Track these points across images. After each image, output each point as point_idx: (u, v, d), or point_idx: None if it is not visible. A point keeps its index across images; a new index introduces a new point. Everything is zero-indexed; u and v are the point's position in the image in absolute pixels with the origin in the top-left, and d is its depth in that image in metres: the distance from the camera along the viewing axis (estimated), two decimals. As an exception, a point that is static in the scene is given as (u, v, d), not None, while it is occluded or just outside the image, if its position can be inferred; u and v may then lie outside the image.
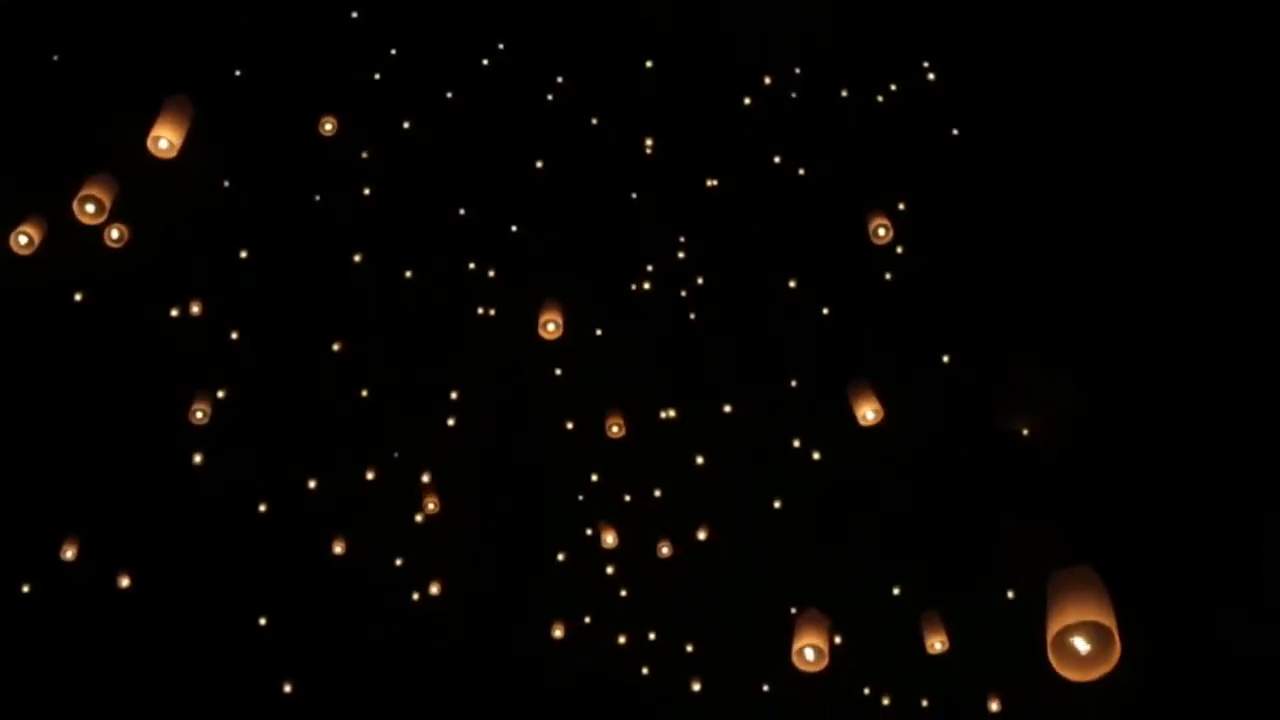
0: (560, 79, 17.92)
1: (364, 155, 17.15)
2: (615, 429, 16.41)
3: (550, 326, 14.75)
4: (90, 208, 11.43)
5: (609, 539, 16.78)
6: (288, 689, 18.29)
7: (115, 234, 12.86)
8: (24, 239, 11.61)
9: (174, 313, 16.12)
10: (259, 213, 16.84)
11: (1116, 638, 7.09)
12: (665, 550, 17.27)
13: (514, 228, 17.93)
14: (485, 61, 17.73)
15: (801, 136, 17.96)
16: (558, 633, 17.48)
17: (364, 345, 17.53)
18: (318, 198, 16.86)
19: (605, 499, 17.73)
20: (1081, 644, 7.15)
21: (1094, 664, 7.17)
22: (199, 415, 15.02)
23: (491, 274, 17.92)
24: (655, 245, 17.96)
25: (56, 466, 16.54)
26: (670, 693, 17.93)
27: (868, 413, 14.32)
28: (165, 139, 11.30)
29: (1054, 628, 7.07)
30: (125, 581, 16.88)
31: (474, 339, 17.81)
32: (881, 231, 14.72)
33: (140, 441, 16.77)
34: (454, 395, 18.00)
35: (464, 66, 17.75)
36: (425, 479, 17.87)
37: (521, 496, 18.27)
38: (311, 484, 17.88)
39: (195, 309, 16.31)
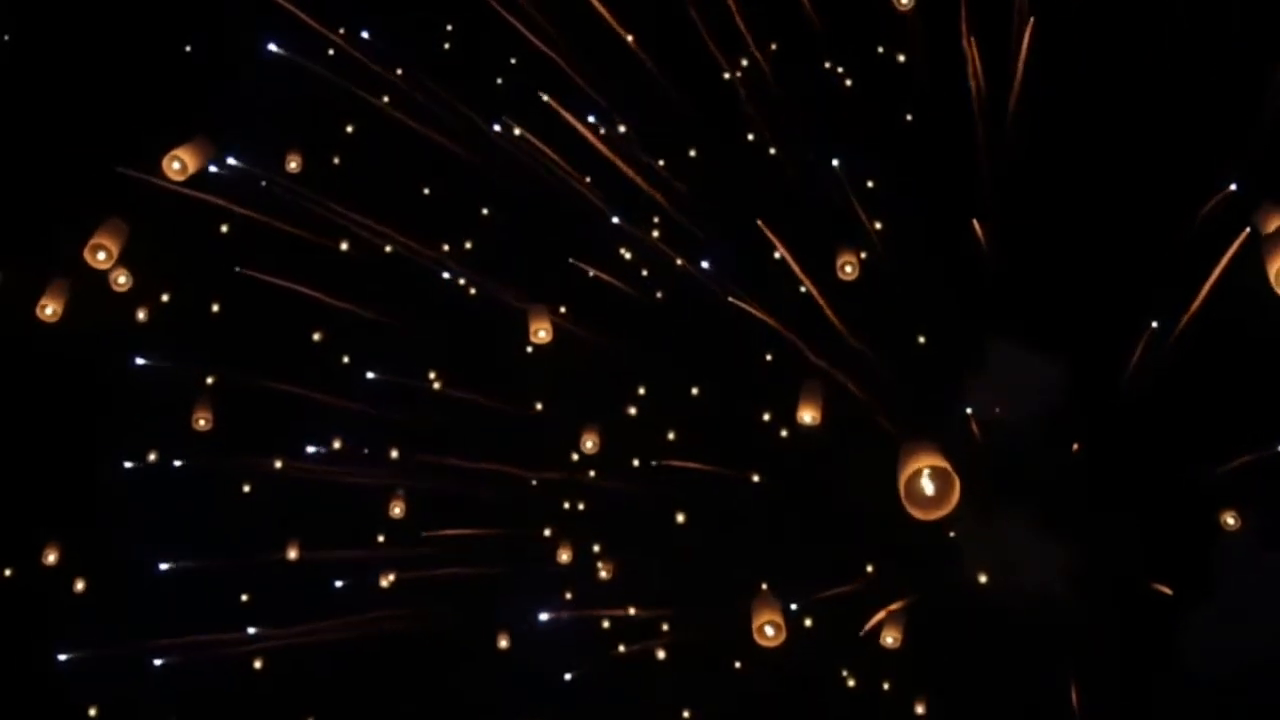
0: (514, 60, 18.74)
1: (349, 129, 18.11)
2: (590, 445, 17.39)
3: (541, 334, 15.79)
4: (101, 255, 12.18)
5: (563, 557, 18.02)
6: (258, 665, 19.35)
7: (122, 279, 13.59)
8: (49, 310, 12.30)
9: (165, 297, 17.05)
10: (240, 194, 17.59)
11: (956, 480, 9.37)
12: (604, 574, 18.42)
13: (485, 210, 18.78)
14: (446, 45, 18.51)
15: (778, 113, 18.87)
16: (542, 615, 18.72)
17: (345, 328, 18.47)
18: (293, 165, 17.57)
19: (585, 481, 18.81)
20: (928, 485, 9.43)
21: (939, 503, 9.48)
22: (201, 423, 15.91)
23: (468, 246, 18.81)
24: (631, 226, 18.86)
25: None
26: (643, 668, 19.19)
27: (806, 417, 15.74)
28: (180, 161, 12.23)
29: (904, 474, 9.32)
30: (80, 585, 17.93)
31: (452, 321, 18.72)
32: (849, 269, 15.95)
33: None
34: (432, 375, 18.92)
35: (421, 48, 18.60)
36: (394, 454, 19.01)
37: (503, 479, 19.15)
38: (278, 463, 18.88)
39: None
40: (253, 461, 18.37)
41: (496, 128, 18.55)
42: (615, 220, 18.69)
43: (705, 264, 18.67)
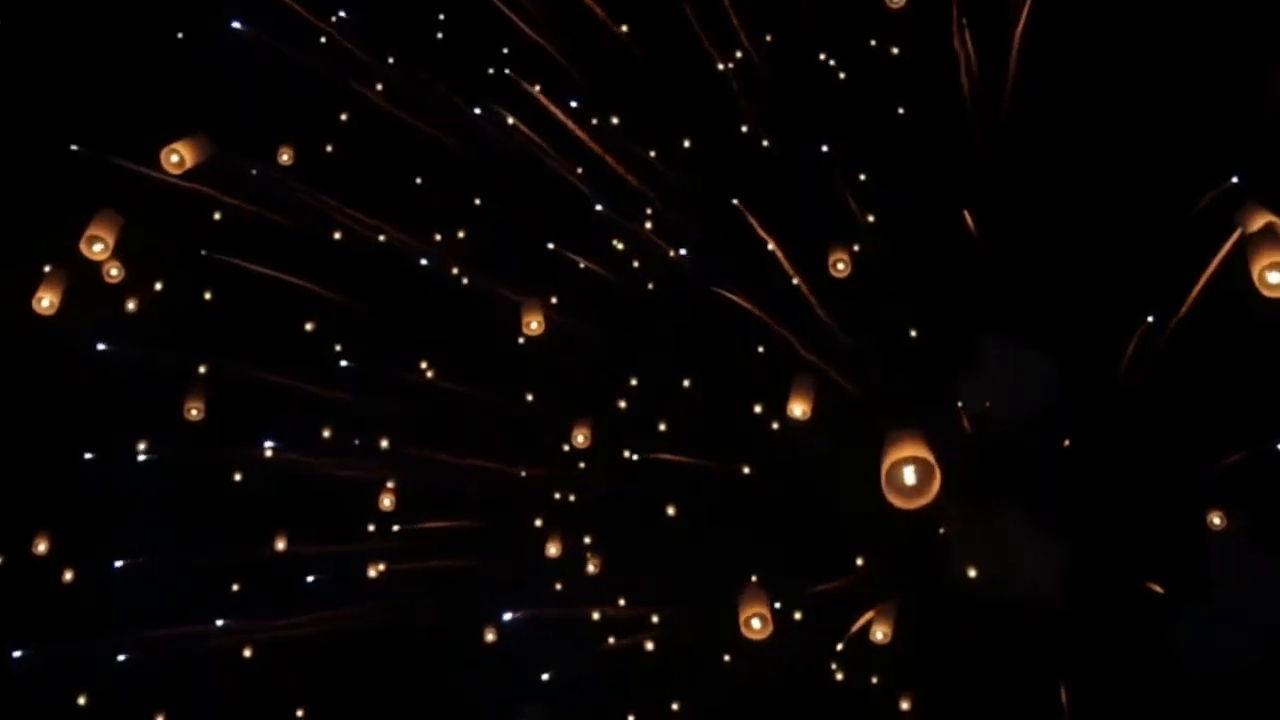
0: (506, 50, 18.88)
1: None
2: (581, 439, 17.56)
3: (533, 326, 15.98)
4: (97, 247, 12.30)
5: (552, 550, 18.16)
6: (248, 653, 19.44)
7: (114, 271, 13.71)
8: (45, 302, 12.44)
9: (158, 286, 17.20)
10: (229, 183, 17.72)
11: (937, 472, 9.65)
12: (592, 568, 18.58)
13: (477, 200, 18.91)
14: (440, 35, 18.66)
15: (772, 105, 19.03)
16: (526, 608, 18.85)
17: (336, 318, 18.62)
18: (285, 158, 17.67)
19: (575, 473, 18.95)
20: (909, 475, 9.74)
21: (920, 493, 9.78)
22: (194, 413, 16.06)
23: (461, 235, 18.96)
24: (622, 218, 19.02)
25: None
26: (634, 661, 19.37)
27: (796, 410, 15.99)
28: (179, 154, 12.37)
29: (886, 463, 9.67)
30: (69, 575, 18.07)
31: (443, 312, 18.87)
32: (840, 266, 16.18)
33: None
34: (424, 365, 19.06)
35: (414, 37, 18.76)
36: (384, 443, 19.14)
37: (492, 472, 19.27)
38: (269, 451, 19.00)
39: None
40: (241, 452, 18.49)
41: (480, 113, 18.65)
42: (607, 211, 18.83)
43: (695, 255, 18.82)
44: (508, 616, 18.75)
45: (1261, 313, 13.51)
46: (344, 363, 18.62)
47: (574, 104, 18.75)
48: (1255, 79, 17.59)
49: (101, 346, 17.44)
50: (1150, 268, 17.78)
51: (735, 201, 18.37)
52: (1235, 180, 17.13)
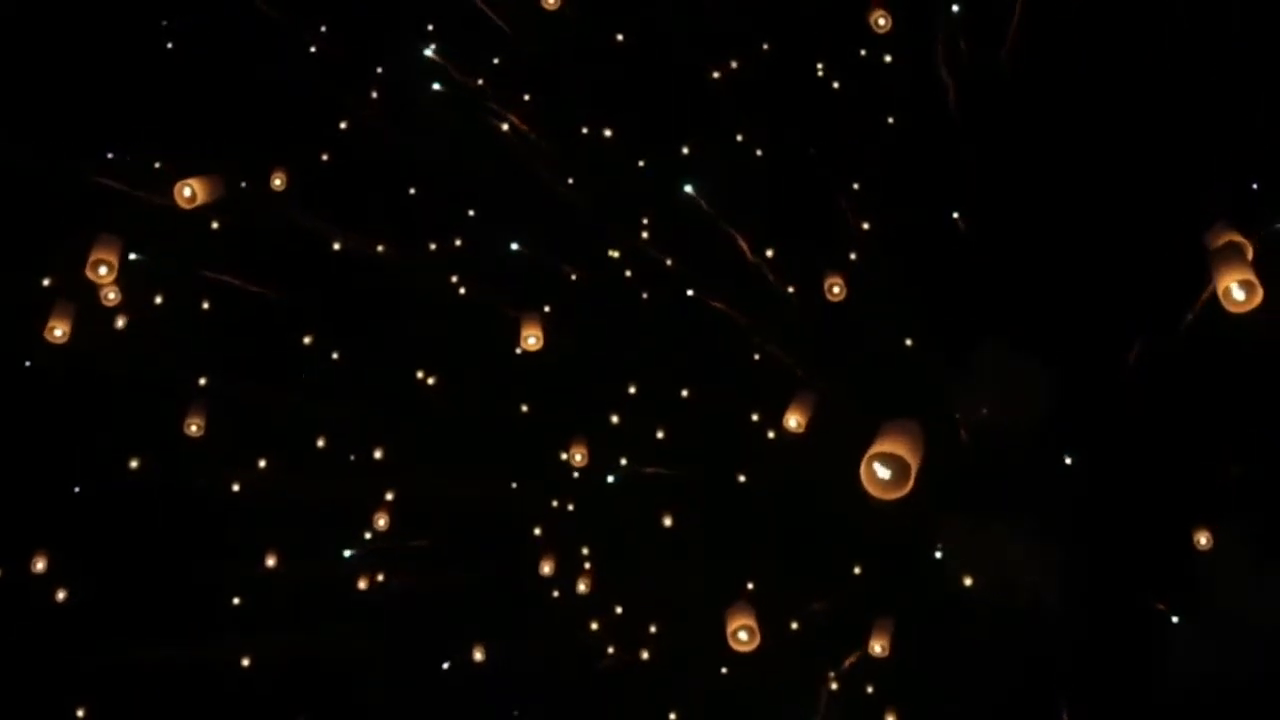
0: (497, 60, 19.11)
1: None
2: (579, 457, 17.78)
3: (531, 340, 16.24)
4: (103, 270, 12.57)
5: (546, 567, 18.38)
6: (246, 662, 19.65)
7: (112, 295, 13.93)
8: (58, 332, 12.69)
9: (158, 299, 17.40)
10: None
11: (913, 471, 9.87)
12: (583, 587, 18.76)
13: (470, 211, 19.15)
14: (434, 45, 18.90)
15: (767, 114, 19.27)
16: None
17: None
18: (277, 183, 17.84)
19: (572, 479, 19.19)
20: (882, 470, 10.03)
21: (893, 487, 10.02)
22: (193, 429, 16.27)
23: (458, 243, 19.20)
24: (618, 225, 19.25)
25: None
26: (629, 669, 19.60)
27: (791, 422, 16.31)
28: (191, 189, 12.65)
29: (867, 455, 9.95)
30: (61, 594, 18.25)
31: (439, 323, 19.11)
32: (836, 290, 16.51)
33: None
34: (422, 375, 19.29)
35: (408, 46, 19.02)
36: (378, 454, 19.35)
37: (486, 485, 19.47)
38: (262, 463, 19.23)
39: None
40: (237, 466, 18.69)
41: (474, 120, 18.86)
42: (601, 220, 19.08)
43: (690, 265, 19.08)
44: (527, 621, 18.95)
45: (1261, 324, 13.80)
46: (356, 376, 18.80)
47: (577, 119, 18.99)
48: (1255, 79, 17.83)
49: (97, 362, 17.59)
50: (1151, 274, 18.01)
51: (689, 188, 18.46)
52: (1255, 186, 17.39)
